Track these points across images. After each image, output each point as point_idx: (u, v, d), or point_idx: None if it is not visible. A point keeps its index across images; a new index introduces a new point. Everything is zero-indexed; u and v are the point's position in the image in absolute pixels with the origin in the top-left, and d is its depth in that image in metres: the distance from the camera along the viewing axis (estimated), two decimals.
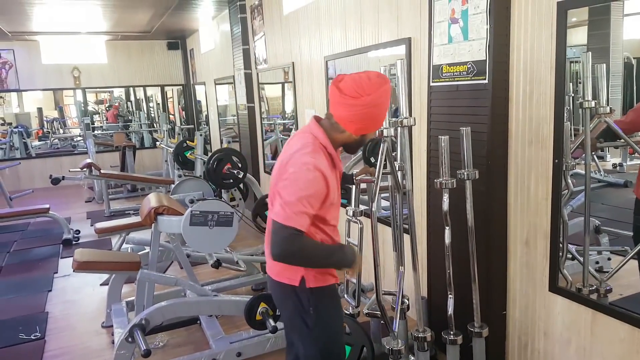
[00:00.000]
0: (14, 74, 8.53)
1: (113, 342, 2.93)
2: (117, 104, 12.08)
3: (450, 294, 2.12)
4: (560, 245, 2.05)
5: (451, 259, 2.06)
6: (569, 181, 2.03)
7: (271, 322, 2.60)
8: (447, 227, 2.00)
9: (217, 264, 3.24)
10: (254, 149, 5.99)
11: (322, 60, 3.90)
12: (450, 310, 2.13)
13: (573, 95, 2.08)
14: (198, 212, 2.68)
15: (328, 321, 1.70)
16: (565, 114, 1.94)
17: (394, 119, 2.01)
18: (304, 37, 4.25)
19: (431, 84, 2.45)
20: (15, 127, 9.49)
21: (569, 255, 2.10)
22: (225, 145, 6.13)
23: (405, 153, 1.98)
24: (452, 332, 2.16)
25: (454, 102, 2.33)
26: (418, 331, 2.20)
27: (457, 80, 2.29)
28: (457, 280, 2.14)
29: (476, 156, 2.07)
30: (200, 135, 5.84)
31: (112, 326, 3.07)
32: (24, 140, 9.21)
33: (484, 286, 2.23)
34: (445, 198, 1.96)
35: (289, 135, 5.53)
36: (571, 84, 2.07)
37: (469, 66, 2.22)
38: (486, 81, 2.14)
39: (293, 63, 4.55)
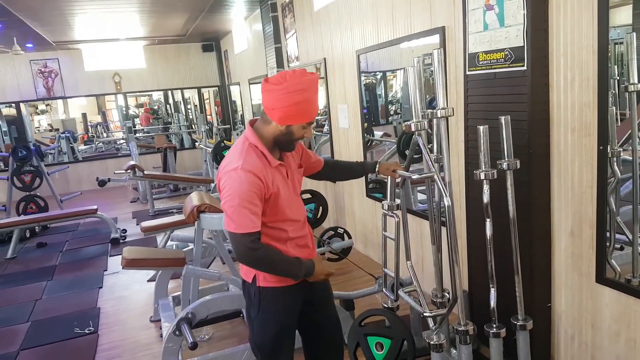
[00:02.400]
0: (59, 82, 8.95)
1: (161, 336, 3.05)
2: (146, 104, 12.43)
3: (492, 286, 2.09)
4: (608, 234, 1.98)
5: (493, 252, 2.03)
6: (616, 168, 1.95)
7: None
8: (488, 219, 1.97)
9: None
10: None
11: (354, 54, 3.90)
12: (493, 303, 2.09)
13: (618, 78, 2.00)
14: None
15: (267, 321, 1.81)
16: (609, 99, 1.87)
17: (429, 110, 1.99)
18: (335, 32, 4.26)
19: (467, 72, 2.40)
20: (62, 133, 9.97)
21: (617, 245, 2.02)
22: None
23: (443, 145, 1.96)
24: (495, 326, 2.13)
25: (491, 91, 2.28)
26: (460, 324, 2.18)
27: (495, 68, 2.24)
28: (499, 273, 2.10)
29: (516, 145, 2.02)
30: (237, 134, 5.96)
31: (159, 320, 3.19)
32: (71, 145, 9.68)
33: (528, 278, 2.19)
34: (486, 189, 1.93)
35: (321, 132, 5.57)
36: (616, 66, 1.98)
37: (507, 53, 2.16)
38: (525, 68, 2.09)
39: (325, 59, 4.57)
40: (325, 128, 5.39)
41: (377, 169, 2.15)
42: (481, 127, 1.89)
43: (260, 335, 1.83)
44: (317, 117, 5.62)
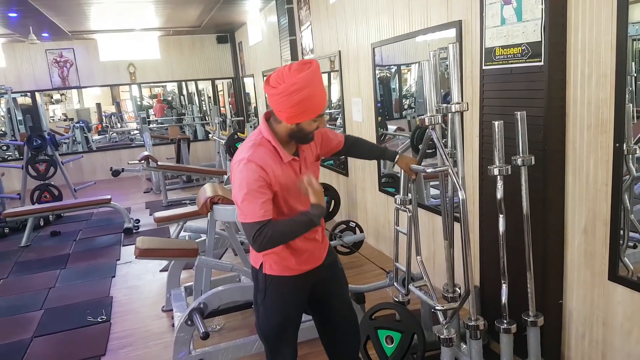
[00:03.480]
0: (74, 71, 9.04)
1: (173, 326, 3.10)
2: (160, 95, 12.49)
3: (504, 282, 2.08)
4: (622, 232, 1.96)
5: (505, 247, 2.02)
6: (631, 166, 1.93)
7: None
8: (501, 215, 1.96)
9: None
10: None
11: (369, 48, 3.88)
12: (504, 298, 2.09)
13: (635, 75, 1.97)
14: None
15: (271, 308, 1.83)
16: (627, 96, 1.84)
17: (444, 105, 1.98)
18: (350, 25, 4.24)
19: (483, 67, 2.38)
20: (77, 123, 10.09)
21: (630, 244, 2.00)
22: None
23: (457, 140, 1.95)
24: (505, 321, 2.13)
25: (507, 86, 2.26)
26: (470, 319, 2.18)
27: (511, 63, 2.21)
28: (511, 269, 2.10)
29: (531, 141, 2.00)
30: (250, 127, 5.99)
31: (171, 310, 3.23)
32: (85, 135, 9.79)
33: (540, 275, 2.18)
34: (500, 185, 1.92)
35: (334, 126, 5.56)
36: (633, 63, 1.95)
37: (524, 48, 2.14)
38: (542, 63, 2.06)
39: (340, 52, 4.55)
40: (339, 121, 5.39)
41: (396, 160, 2.13)
42: (496, 123, 1.88)
43: (265, 322, 1.86)
44: (330, 110, 5.63)
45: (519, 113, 1.90)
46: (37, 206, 5.85)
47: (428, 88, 2.04)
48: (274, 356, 1.92)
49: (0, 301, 3.84)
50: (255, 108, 8.74)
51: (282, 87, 1.57)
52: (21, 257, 4.89)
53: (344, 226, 3.93)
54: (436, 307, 2.08)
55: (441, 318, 2.09)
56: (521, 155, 1.93)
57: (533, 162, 1.94)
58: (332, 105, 5.57)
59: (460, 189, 1.85)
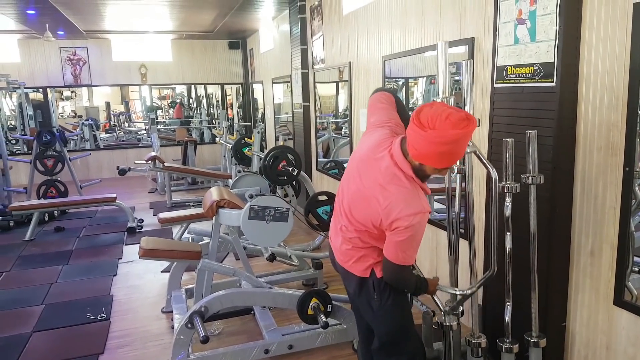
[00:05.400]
0: (87, 70, 9.13)
1: (172, 327, 3.09)
2: (169, 97, 12.59)
3: (508, 301, 2.08)
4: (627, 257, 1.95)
5: (511, 266, 2.02)
6: (637, 189, 1.93)
7: (322, 317, 2.64)
8: (508, 233, 1.96)
9: (272, 258, 3.34)
10: (307, 147, 6.08)
11: (379, 60, 3.91)
12: (508, 317, 2.08)
13: None
14: (256, 206, 2.77)
15: (391, 306, 1.87)
16: (638, 120, 1.85)
17: None
18: (362, 37, 4.27)
19: (495, 85, 2.39)
20: (85, 120, 10.17)
21: (635, 269, 1.99)
22: (281, 142, 6.27)
23: (467, 155, 1.96)
24: (508, 341, 2.12)
25: (518, 105, 2.27)
26: (472, 336, 2.17)
27: (523, 82, 2.23)
28: (515, 288, 2.09)
29: (540, 161, 2.01)
30: (258, 132, 6.01)
31: (171, 312, 3.24)
32: (93, 133, 9.86)
33: (544, 295, 2.17)
34: (508, 203, 1.92)
35: (340, 134, 5.58)
36: None
37: (536, 68, 2.15)
38: (554, 84, 2.07)
39: (350, 63, 4.59)
40: (344, 131, 5.41)
41: None
42: (507, 140, 1.89)
43: (391, 323, 1.91)
44: (336, 120, 5.66)
45: (530, 132, 1.91)
46: (43, 201, 5.88)
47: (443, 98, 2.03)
48: (411, 345, 1.96)
49: (2, 294, 3.85)
50: (263, 114, 8.78)
51: (432, 133, 1.51)
52: (25, 251, 4.90)
53: None
54: (456, 292, 2.15)
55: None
56: (531, 173, 1.93)
57: (542, 181, 1.94)
58: (339, 114, 5.61)
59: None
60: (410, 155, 1.63)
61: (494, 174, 1.88)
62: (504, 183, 1.92)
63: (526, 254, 2.05)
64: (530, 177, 1.94)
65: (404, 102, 4.33)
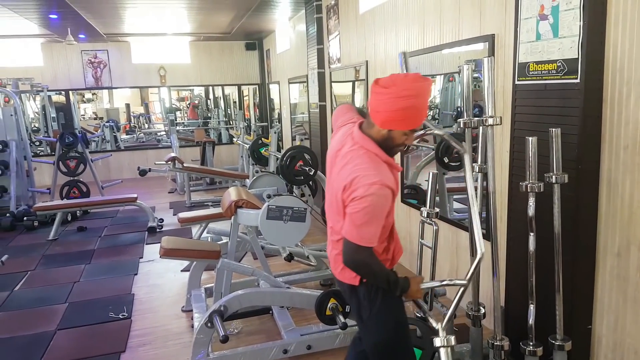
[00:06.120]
0: (107, 72, 9.29)
1: (192, 326, 3.12)
2: (187, 98, 12.73)
3: (531, 303, 2.04)
4: None
5: (534, 267, 1.97)
6: None
7: (341, 318, 2.63)
8: (531, 234, 1.92)
9: (290, 257, 3.34)
10: (323, 146, 6.07)
11: (397, 59, 3.87)
12: (531, 320, 2.04)
13: None
14: (274, 206, 2.78)
15: (382, 318, 1.76)
16: None
17: (476, 118, 1.96)
18: (379, 35, 4.25)
19: (516, 82, 2.35)
20: (106, 122, 10.34)
21: None
22: (297, 142, 6.28)
23: (489, 154, 1.92)
24: (531, 343, 2.08)
25: (541, 102, 2.22)
26: (495, 338, 2.14)
27: (545, 79, 2.18)
28: (538, 290, 2.05)
29: (564, 159, 1.96)
30: (274, 132, 6.02)
31: (191, 310, 3.26)
32: (114, 134, 10.02)
33: (569, 297, 2.12)
34: (531, 202, 1.88)
35: None
36: None
37: (559, 64, 2.10)
38: (578, 80, 2.02)
39: (367, 61, 4.56)
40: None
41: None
42: (530, 139, 1.85)
43: (379, 334, 1.79)
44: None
45: (553, 130, 1.87)
46: (65, 201, 6.00)
47: (466, 96, 2.01)
48: None
49: (28, 292, 3.94)
50: (279, 114, 8.80)
51: (395, 88, 1.56)
52: (48, 250, 5.01)
53: None
54: (444, 283, 1.78)
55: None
56: (555, 172, 1.89)
57: (566, 180, 1.90)
58: None
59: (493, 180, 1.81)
60: (378, 124, 1.63)
61: (463, 151, 1.80)
62: (527, 182, 1.88)
63: (550, 254, 2.00)
64: (554, 176, 1.89)
65: None
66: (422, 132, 2.03)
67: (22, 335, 3.20)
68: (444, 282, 1.74)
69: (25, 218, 5.82)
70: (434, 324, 1.71)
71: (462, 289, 1.69)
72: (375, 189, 1.55)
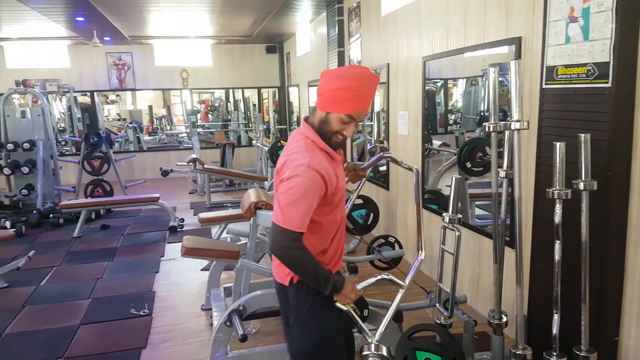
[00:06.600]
0: (131, 74, 9.47)
1: (211, 325, 3.15)
2: (208, 101, 12.85)
3: (556, 312, 1.99)
4: None
5: (560, 276, 1.93)
6: None
7: (358, 321, 2.61)
8: (557, 241, 1.88)
9: None
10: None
11: (419, 61, 3.85)
12: (555, 329, 1.99)
13: None
14: None
15: (308, 326, 1.66)
16: None
17: (502, 122, 1.93)
18: (401, 38, 4.22)
19: (544, 86, 2.30)
20: (130, 123, 10.53)
21: None
22: None
23: (515, 159, 1.89)
24: (555, 354, 2.02)
25: (569, 107, 2.17)
26: (517, 347, 2.09)
27: (575, 83, 2.13)
28: (563, 299, 2.00)
29: (593, 166, 1.91)
30: None
31: (210, 309, 3.29)
32: (137, 135, 10.19)
33: (595, 308, 2.06)
34: (558, 209, 1.84)
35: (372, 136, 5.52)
36: None
37: (589, 68, 2.06)
38: (609, 85, 1.97)
39: (388, 64, 4.54)
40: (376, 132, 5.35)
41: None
42: (558, 144, 1.81)
43: (302, 343, 1.69)
44: (372, 123, 5.60)
45: (583, 135, 1.82)
46: (90, 200, 6.13)
47: (493, 100, 1.98)
48: None
49: (53, 287, 4.03)
50: (298, 117, 8.83)
51: (336, 70, 1.60)
52: (73, 247, 5.12)
53: (383, 240, 3.88)
54: (378, 277, 1.70)
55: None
56: (583, 179, 1.84)
57: (595, 187, 1.85)
58: (374, 117, 5.55)
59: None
60: (318, 106, 1.61)
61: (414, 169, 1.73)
62: (554, 189, 1.84)
63: (576, 263, 1.95)
64: (582, 183, 1.85)
65: (444, 104, 4.25)
66: (377, 157, 1.98)
67: (47, 329, 3.27)
68: (378, 277, 1.61)
69: (51, 215, 5.96)
70: (367, 337, 1.56)
71: (400, 293, 1.59)
72: (302, 170, 1.50)
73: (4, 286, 4.04)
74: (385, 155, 1.91)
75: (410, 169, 1.72)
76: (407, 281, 1.57)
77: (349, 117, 1.57)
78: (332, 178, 1.57)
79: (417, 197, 1.71)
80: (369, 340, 1.51)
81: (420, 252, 1.60)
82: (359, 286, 1.61)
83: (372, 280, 1.59)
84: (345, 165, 1.96)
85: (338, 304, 1.61)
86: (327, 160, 1.59)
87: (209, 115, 12.37)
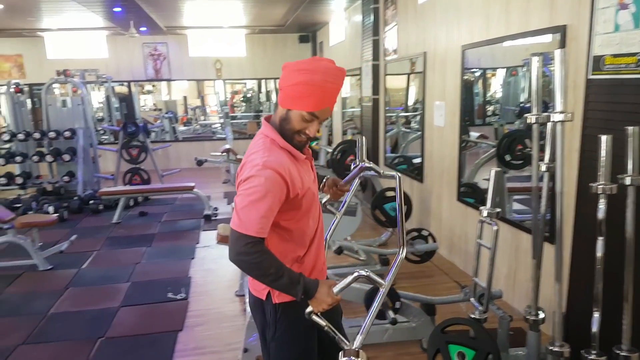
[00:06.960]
0: (166, 65, 9.66)
1: (244, 310, 3.22)
2: (240, 92, 12.97)
3: (596, 310, 1.93)
4: None
5: (602, 273, 1.87)
6: None
7: (391, 313, 2.61)
8: (600, 238, 1.81)
9: (340, 251, 3.35)
10: (375, 141, 6.02)
11: (458, 50, 3.76)
12: (595, 327, 1.93)
13: None
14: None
15: (285, 343, 1.57)
16: None
17: (544, 114, 1.87)
18: (440, 26, 4.14)
19: (589, 76, 2.22)
20: (165, 113, 10.77)
21: None
22: (349, 136, 6.27)
23: (558, 152, 1.83)
24: (594, 352, 1.97)
25: (616, 98, 2.08)
26: (554, 344, 2.05)
27: (623, 74, 2.04)
28: (604, 297, 1.94)
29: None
30: (325, 126, 6.03)
31: (243, 295, 3.36)
32: (172, 125, 10.42)
33: (637, 306, 1.99)
34: (602, 205, 1.78)
35: (409, 129, 5.46)
36: None
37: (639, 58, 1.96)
38: None
39: (425, 53, 4.46)
40: (413, 125, 5.28)
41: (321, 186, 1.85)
42: (604, 137, 1.74)
43: (282, 358, 1.59)
44: (406, 113, 5.54)
45: (631, 128, 1.75)
46: (128, 187, 6.33)
47: (535, 90, 1.92)
48: None
49: (94, 271, 4.21)
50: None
51: (298, 63, 1.46)
52: (112, 233, 5.32)
53: (416, 234, 3.85)
54: (355, 273, 1.43)
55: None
56: (630, 174, 1.77)
57: None
58: (409, 108, 5.48)
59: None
60: (280, 102, 1.49)
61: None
62: (598, 183, 1.78)
63: (619, 260, 1.88)
64: (629, 178, 1.77)
65: (482, 94, 4.15)
66: (357, 169, 1.84)
67: (89, 310, 3.42)
68: (355, 275, 1.41)
69: (91, 202, 6.20)
70: (345, 345, 1.41)
71: (381, 292, 1.46)
72: (258, 170, 1.39)
73: (48, 268, 4.25)
74: (365, 165, 1.78)
75: (392, 177, 1.64)
76: (387, 280, 1.46)
77: (310, 115, 1.44)
78: (295, 178, 1.46)
79: (399, 204, 1.54)
80: (346, 347, 1.40)
81: (401, 248, 1.51)
82: (336, 289, 1.42)
83: (349, 279, 1.42)
84: (324, 181, 1.86)
85: (315, 318, 1.43)
86: (289, 160, 1.48)
87: (234, 108, 12.48)
